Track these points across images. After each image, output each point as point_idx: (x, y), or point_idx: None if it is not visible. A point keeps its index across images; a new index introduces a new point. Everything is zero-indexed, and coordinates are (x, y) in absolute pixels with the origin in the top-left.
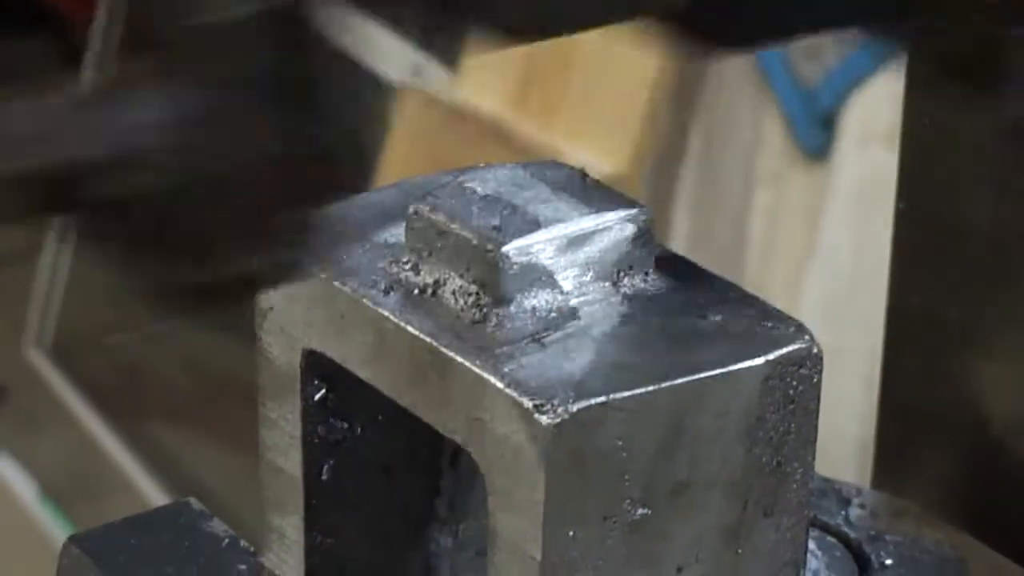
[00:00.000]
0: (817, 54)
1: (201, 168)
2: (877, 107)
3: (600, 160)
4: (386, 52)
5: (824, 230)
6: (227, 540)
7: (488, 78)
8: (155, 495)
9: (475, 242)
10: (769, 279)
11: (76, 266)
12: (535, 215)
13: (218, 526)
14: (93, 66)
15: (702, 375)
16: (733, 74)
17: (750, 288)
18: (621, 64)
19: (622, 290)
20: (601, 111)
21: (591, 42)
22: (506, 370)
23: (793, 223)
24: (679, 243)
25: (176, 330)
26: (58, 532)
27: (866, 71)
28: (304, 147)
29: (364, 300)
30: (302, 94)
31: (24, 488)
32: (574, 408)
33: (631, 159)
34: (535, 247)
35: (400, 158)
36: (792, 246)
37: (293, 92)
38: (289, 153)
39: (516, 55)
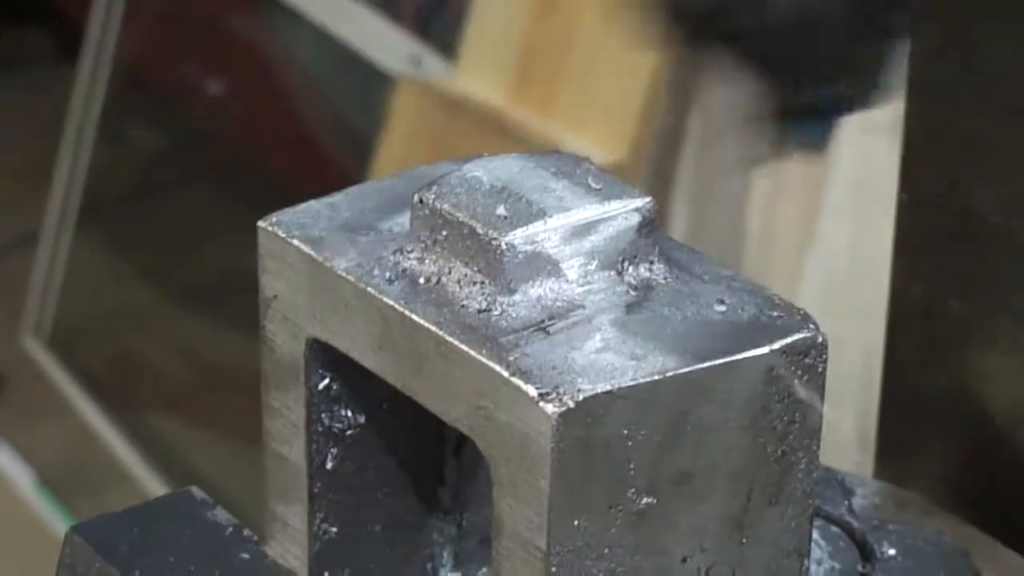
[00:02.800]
0: None
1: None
2: None
3: (599, 150)
4: (384, 43)
5: (823, 220)
6: (230, 529)
7: (487, 68)
8: (153, 484)
9: (480, 231)
10: (768, 269)
11: (74, 256)
12: (540, 204)
13: (221, 515)
14: (92, 55)
15: (707, 364)
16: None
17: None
18: (619, 54)
19: (627, 279)
20: (600, 101)
21: (589, 32)
22: (511, 359)
23: (792, 213)
24: (678, 233)
25: (174, 318)
26: (55, 521)
27: None
28: None
29: (369, 289)
30: None
31: (21, 477)
32: (579, 397)
33: (630, 149)
34: (540, 236)
35: (397, 150)
36: (791, 236)
37: None
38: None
39: (514, 46)
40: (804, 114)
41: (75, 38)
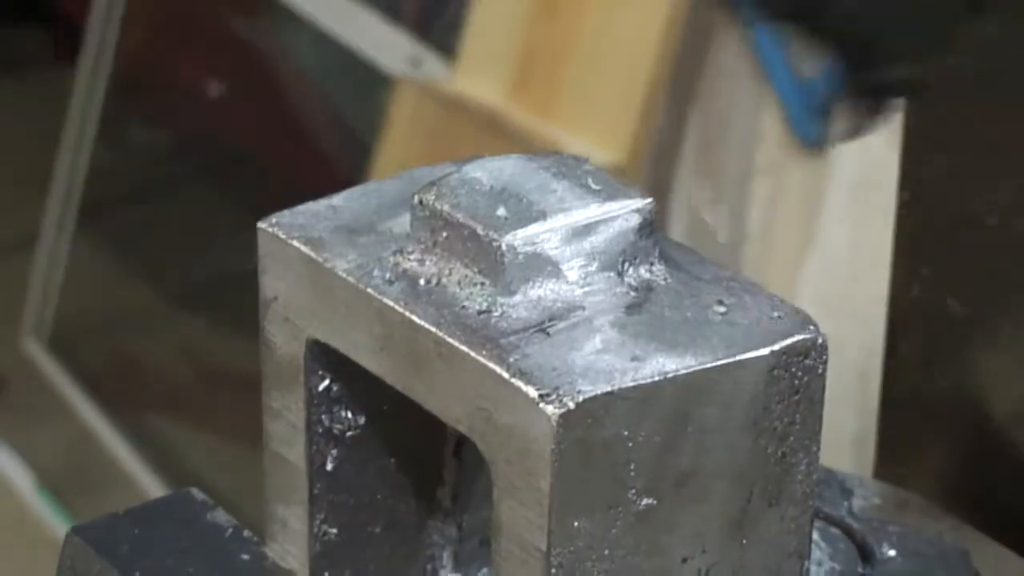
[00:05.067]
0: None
1: None
2: None
3: (598, 151)
4: (384, 43)
5: (822, 222)
6: (230, 530)
7: (486, 69)
8: (152, 486)
9: (480, 232)
10: (768, 271)
11: (74, 257)
12: (540, 205)
13: (221, 516)
14: (91, 56)
15: (707, 365)
16: (731, 65)
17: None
18: (619, 54)
19: (627, 280)
20: (599, 102)
21: (590, 32)
22: (511, 360)
23: (791, 215)
24: (677, 235)
25: (174, 320)
26: (55, 523)
27: None
28: None
29: (369, 290)
30: None
31: (21, 478)
32: (580, 398)
33: (629, 150)
34: (540, 237)
35: (397, 150)
36: (790, 238)
37: None
38: None
39: (514, 46)
40: (882, 93)
41: (75, 38)
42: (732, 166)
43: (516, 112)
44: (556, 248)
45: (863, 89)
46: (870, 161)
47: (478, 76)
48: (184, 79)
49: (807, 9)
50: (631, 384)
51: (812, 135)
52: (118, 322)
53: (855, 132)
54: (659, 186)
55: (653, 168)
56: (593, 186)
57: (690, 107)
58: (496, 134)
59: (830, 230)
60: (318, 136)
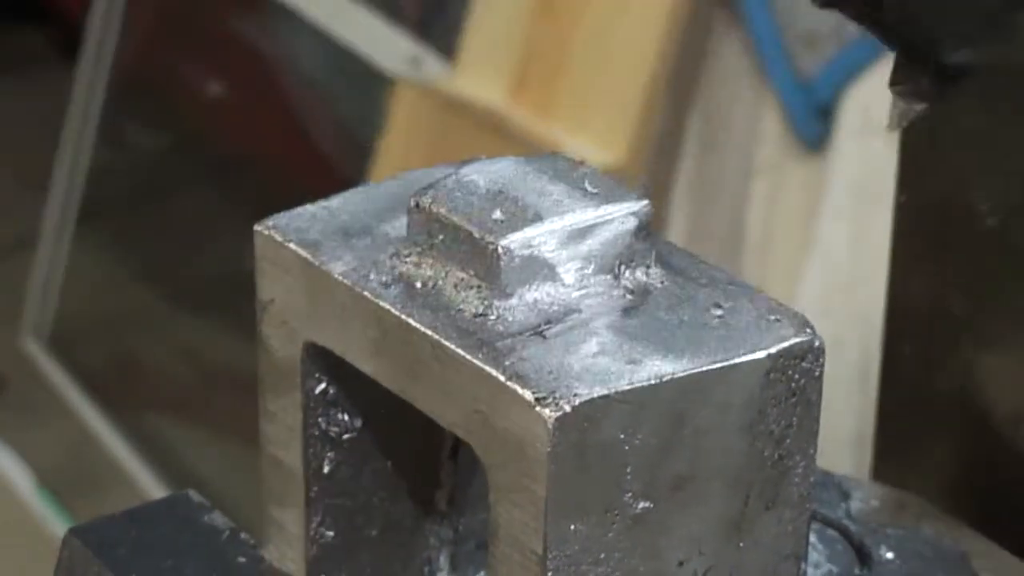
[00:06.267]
0: (815, 45)
1: None
2: (875, 98)
3: (598, 151)
4: (383, 44)
5: (822, 222)
6: (227, 532)
7: (486, 70)
8: (152, 486)
9: (476, 235)
10: (767, 271)
11: (74, 257)
12: (537, 208)
13: (218, 518)
14: (91, 56)
15: (704, 368)
16: (731, 65)
17: (749, 280)
18: (619, 55)
19: (623, 283)
20: (599, 102)
21: (589, 32)
22: (508, 363)
23: (791, 215)
24: (677, 235)
25: (174, 320)
26: (55, 522)
27: (864, 61)
28: None
29: (365, 293)
30: None
31: (21, 478)
32: (576, 401)
33: (629, 150)
34: (536, 240)
35: (397, 151)
36: (790, 238)
37: None
38: None
39: (514, 47)
40: (942, 77)
41: (75, 38)
42: (732, 166)
43: (516, 112)
44: (552, 251)
45: (921, 73)
46: (870, 161)
47: (478, 76)
48: (184, 79)
49: None
50: (627, 387)
51: (812, 135)
52: (118, 322)
53: (907, 117)
54: (658, 187)
55: (653, 169)
56: (590, 188)
57: (690, 107)
58: (496, 134)
59: (830, 230)
60: (318, 136)
